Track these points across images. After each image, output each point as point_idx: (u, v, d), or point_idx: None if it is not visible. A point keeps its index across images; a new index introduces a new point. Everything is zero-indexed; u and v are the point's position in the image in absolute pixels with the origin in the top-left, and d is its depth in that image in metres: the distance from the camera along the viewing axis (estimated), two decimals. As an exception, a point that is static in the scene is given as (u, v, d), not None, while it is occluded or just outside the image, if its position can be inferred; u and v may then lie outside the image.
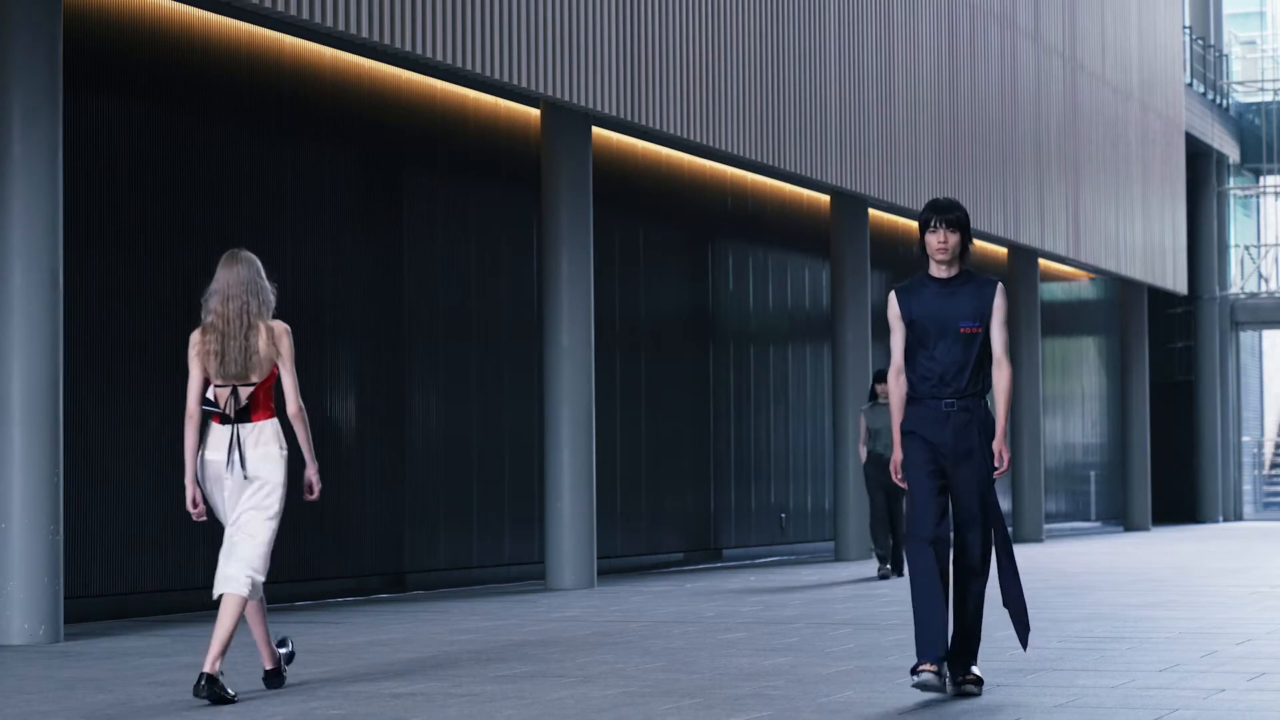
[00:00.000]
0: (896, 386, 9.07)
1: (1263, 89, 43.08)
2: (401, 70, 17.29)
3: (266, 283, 9.20)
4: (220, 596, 9.04)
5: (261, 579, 9.10)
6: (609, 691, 9.26)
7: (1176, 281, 35.41)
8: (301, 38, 16.07)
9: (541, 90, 16.57)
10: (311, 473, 9.50)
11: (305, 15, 13.79)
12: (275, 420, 9.25)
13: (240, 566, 9.07)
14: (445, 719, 8.30)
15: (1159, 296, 37.03)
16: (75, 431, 13.57)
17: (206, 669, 8.80)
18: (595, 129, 19.20)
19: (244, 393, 9.12)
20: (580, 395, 17.59)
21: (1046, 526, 30.82)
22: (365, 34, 14.41)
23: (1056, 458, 32.87)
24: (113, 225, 14.37)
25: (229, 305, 9.07)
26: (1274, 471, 45.22)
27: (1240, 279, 41.82)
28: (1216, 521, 39.26)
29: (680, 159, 21.66)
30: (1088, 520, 34.54)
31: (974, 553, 9.06)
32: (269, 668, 9.45)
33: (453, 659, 10.99)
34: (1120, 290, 35.29)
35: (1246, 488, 42.47)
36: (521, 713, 8.47)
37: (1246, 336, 43.05)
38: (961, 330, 8.95)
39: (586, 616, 14.22)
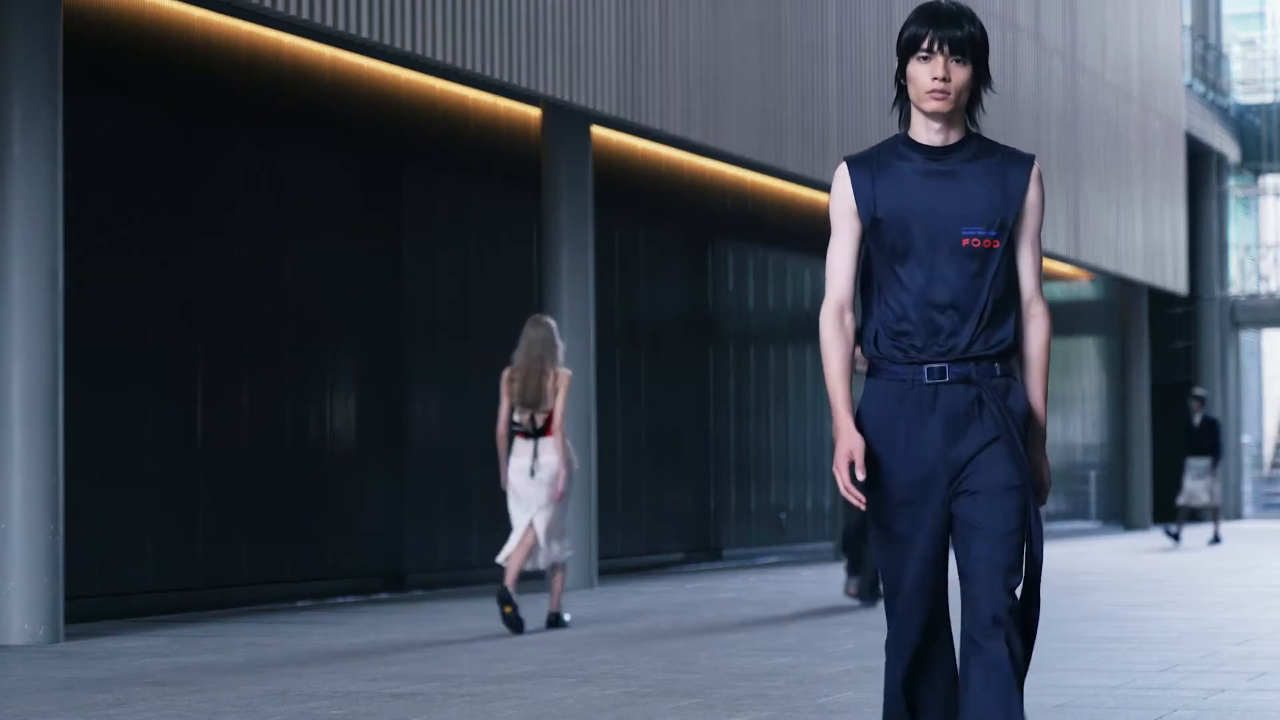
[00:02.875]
0: (836, 338, 5.23)
1: (1263, 89, 43.08)
2: (401, 70, 17.29)
3: (559, 340, 12.97)
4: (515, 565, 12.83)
5: (569, 551, 13.23)
6: (609, 691, 9.26)
7: (1176, 281, 35.41)
8: (301, 37, 16.07)
9: (541, 90, 16.57)
10: (563, 477, 12.86)
11: (305, 15, 13.79)
12: (559, 436, 12.85)
13: (559, 547, 13.00)
14: (445, 719, 8.30)
15: (1159, 296, 37.02)
16: (75, 431, 13.57)
17: (550, 610, 13.22)
18: (595, 129, 19.20)
19: (539, 417, 12.82)
20: (580, 395, 17.59)
21: (1046, 526, 30.82)
22: (365, 34, 14.41)
23: (1056, 458, 32.86)
24: (113, 225, 14.37)
25: (530, 353, 12.87)
26: (1274, 471, 45.21)
27: (1240, 279, 41.81)
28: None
29: (680, 159, 21.66)
30: (1088, 520, 34.55)
31: (1001, 664, 5.04)
32: (554, 610, 13.24)
33: (453, 659, 10.99)
34: (1120, 290, 35.29)
35: (1246, 488, 42.46)
36: (521, 713, 8.47)
37: (1246, 336, 43.03)
38: (965, 241, 5.16)
39: (586, 616, 14.21)
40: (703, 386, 22.27)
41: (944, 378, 5.17)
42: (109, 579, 14.20)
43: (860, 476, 5.09)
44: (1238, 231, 42.45)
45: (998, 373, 5.21)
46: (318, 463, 16.27)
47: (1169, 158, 34.91)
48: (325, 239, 16.50)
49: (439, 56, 15.25)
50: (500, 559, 12.94)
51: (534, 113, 18.66)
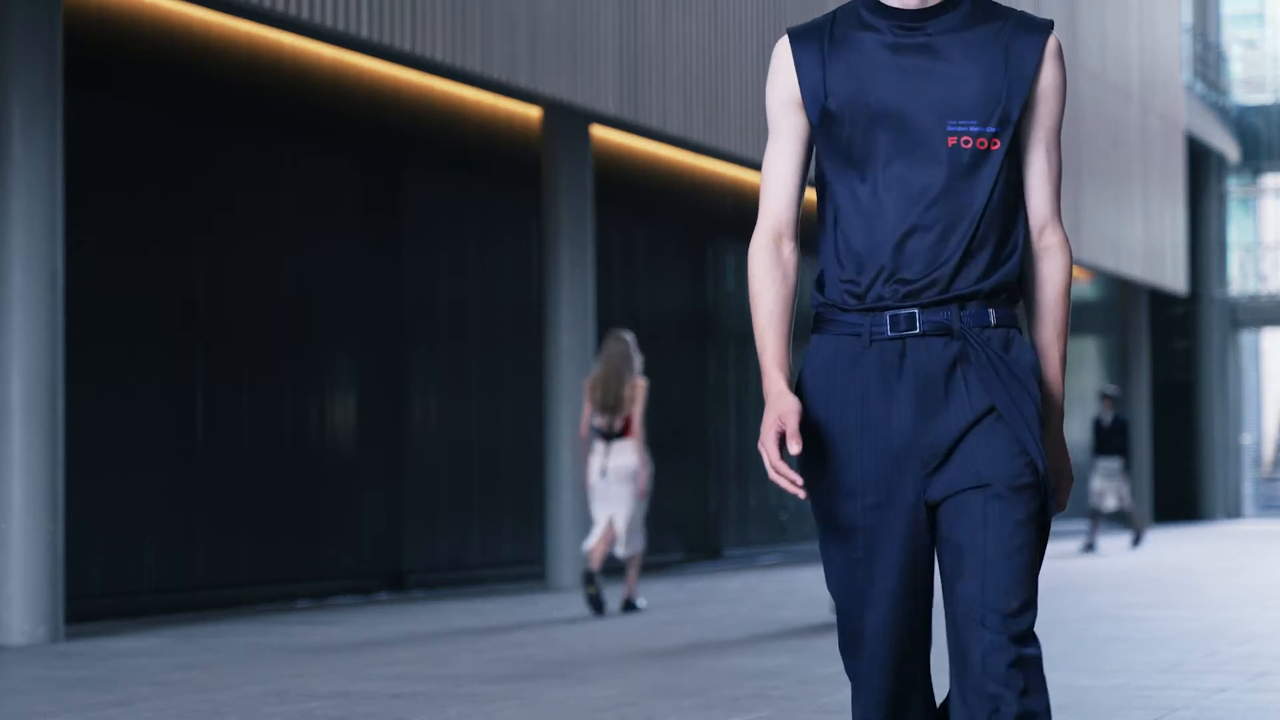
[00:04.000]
0: (769, 274, 4.36)
1: (1263, 89, 43.09)
2: (401, 70, 17.29)
3: (634, 354, 14.40)
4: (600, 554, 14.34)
5: (644, 544, 14.69)
6: (609, 691, 9.25)
7: (1176, 281, 35.41)
8: (301, 37, 16.07)
9: (541, 90, 16.57)
10: (643, 477, 14.36)
11: (305, 15, 13.79)
12: (636, 439, 14.28)
13: (636, 539, 14.44)
14: (445, 719, 8.30)
15: (1159, 296, 37.03)
16: (75, 431, 13.57)
17: (624, 596, 14.76)
18: (595, 129, 19.21)
19: (617, 422, 14.27)
20: (579, 395, 17.60)
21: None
22: (365, 34, 14.40)
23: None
24: (113, 225, 14.37)
25: (609, 364, 14.36)
26: (1274, 471, 45.22)
27: (1240, 279, 41.82)
28: (1216, 521, 39.25)
29: (680, 159, 21.66)
30: (1087, 520, 34.53)
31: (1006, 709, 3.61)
32: (628, 596, 14.73)
33: (453, 659, 10.99)
34: (1120, 290, 35.29)
35: (1247, 488, 42.47)
36: (521, 713, 8.47)
37: (1246, 336, 43.04)
38: (951, 140, 3.79)
39: (586, 617, 14.21)
40: (702, 386, 22.27)
41: (914, 328, 3.77)
42: (109, 579, 14.20)
43: (794, 449, 3.66)
44: (1238, 231, 42.46)
45: (992, 321, 3.76)
46: (317, 462, 16.27)
47: (1169, 158, 34.90)
48: (325, 238, 16.50)
49: (439, 56, 15.24)
50: (585, 548, 14.55)
51: (534, 113, 18.66)
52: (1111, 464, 25.74)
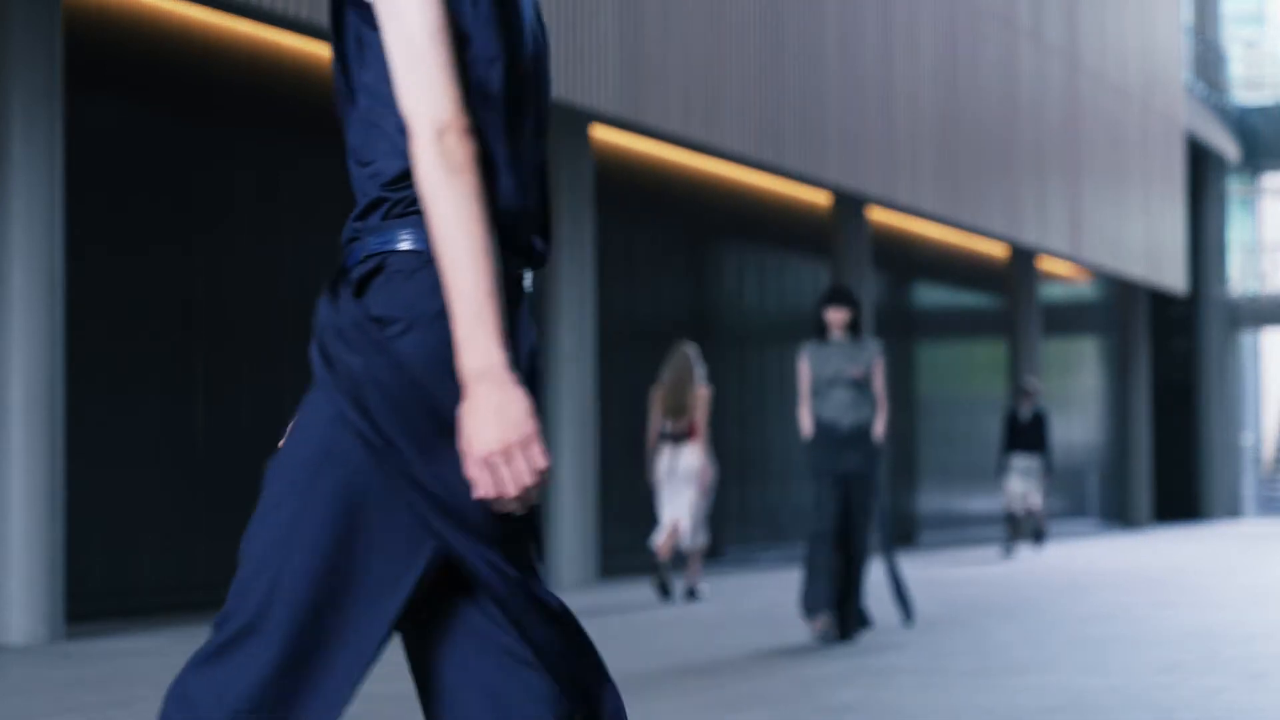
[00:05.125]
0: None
1: (1263, 89, 43.09)
2: (401, 70, 17.26)
3: (697, 364, 15.93)
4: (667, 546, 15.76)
5: (706, 536, 16.14)
6: (609, 691, 9.24)
7: (1176, 281, 35.42)
8: (301, 37, 16.07)
9: (541, 90, 16.56)
10: (706, 476, 15.84)
11: (305, 15, 13.79)
12: (700, 442, 15.72)
13: (699, 533, 15.92)
14: None
15: (1159, 296, 37.04)
16: (75, 431, 13.57)
17: (687, 585, 15.98)
18: (595, 129, 19.20)
19: (681, 425, 15.79)
20: (580, 395, 17.60)
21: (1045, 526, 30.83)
22: (365, 34, 14.39)
23: (1057, 457, 32.87)
24: (113, 225, 14.37)
25: (675, 374, 15.84)
26: (1274, 471, 45.22)
27: (1240, 279, 41.82)
28: (1216, 521, 39.26)
29: (680, 159, 21.66)
30: (1088, 520, 34.55)
31: None
32: (690, 584, 16.03)
33: (453, 659, 10.97)
34: (1120, 290, 35.29)
35: (1247, 488, 42.48)
36: (521, 713, 8.45)
37: (1246, 336, 43.05)
38: None
39: (587, 616, 14.22)
40: (703, 386, 22.27)
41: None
42: (109, 579, 14.20)
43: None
44: (1238, 231, 42.46)
45: (368, 248, 2.77)
46: (318, 463, 16.25)
47: (1169, 158, 34.90)
48: (325, 239, 16.50)
49: (439, 56, 15.23)
50: (653, 543, 15.99)
51: (534, 113, 18.64)
52: (1028, 462, 24.11)
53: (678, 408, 15.79)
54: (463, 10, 2.76)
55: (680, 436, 15.80)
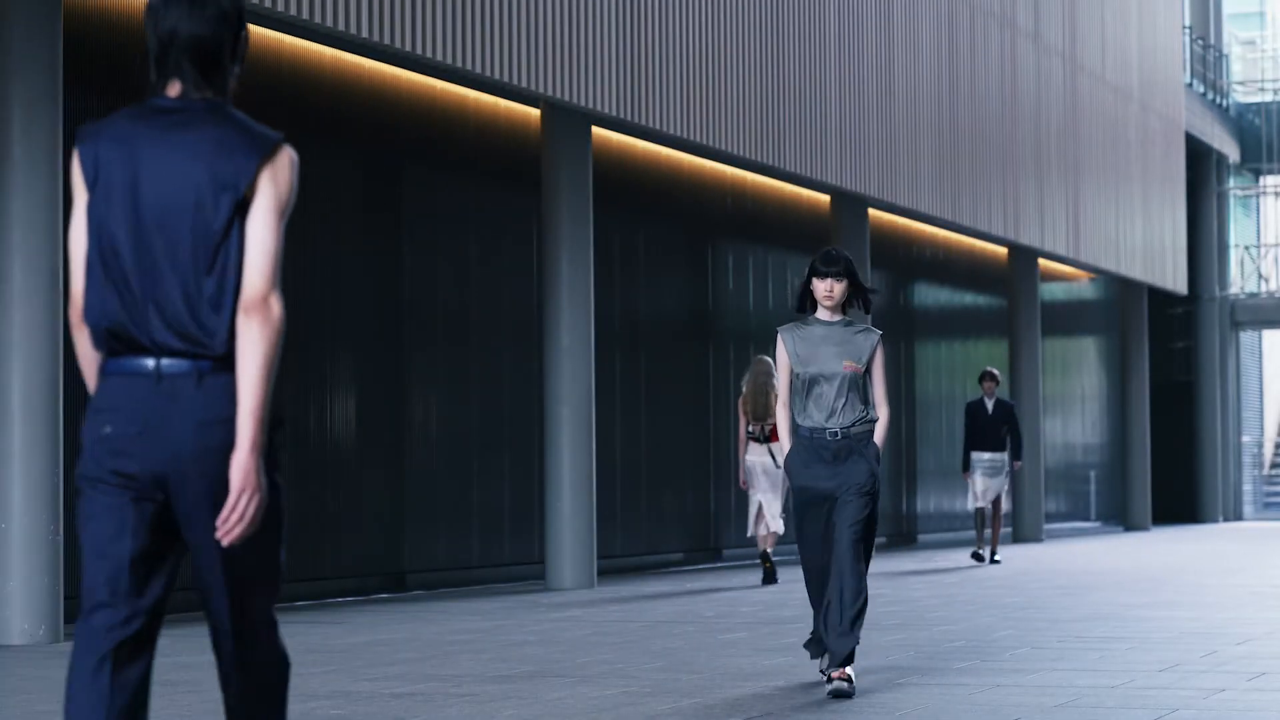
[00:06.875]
0: None
1: (1263, 89, 43.08)
2: (401, 70, 17.29)
3: (773, 374, 17.30)
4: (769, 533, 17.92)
5: (784, 526, 17.84)
6: (609, 691, 9.25)
7: (1176, 281, 35.41)
8: (301, 37, 16.07)
9: (541, 90, 16.57)
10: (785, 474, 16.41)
11: (305, 15, 13.79)
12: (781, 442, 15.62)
13: (777, 521, 17.72)
14: (445, 719, 8.30)
15: (1159, 296, 37.03)
16: (75, 431, 13.57)
17: (767, 549, 18.15)
18: (595, 129, 19.20)
19: (766, 427, 17.60)
20: (580, 395, 17.60)
21: (1046, 526, 30.82)
22: (365, 34, 14.40)
23: (1056, 458, 32.86)
24: (113, 225, 14.36)
25: (757, 382, 17.60)
26: (1274, 471, 45.22)
27: (1240, 279, 41.82)
28: (1216, 521, 39.25)
29: (680, 159, 21.66)
30: (1088, 520, 34.54)
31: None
32: (767, 580, 18.06)
33: (453, 659, 10.99)
34: (1120, 290, 35.29)
35: (1246, 488, 42.46)
36: (521, 713, 8.47)
37: (1246, 336, 43.05)
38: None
39: (586, 616, 14.22)
40: (703, 386, 22.27)
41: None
42: (109, 579, 14.18)
43: None
44: (1238, 231, 42.45)
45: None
46: (318, 462, 16.28)
47: (1169, 158, 34.90)
48: (325, 239, 16.51)
49: (439, 56, 15.24)
50: (752, 534, 18.02)
51: (534, 113, 18.66)
52: (996, 458, 21.63)
53: (761, 412, 17.62)
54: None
55: (763, 438, 17.58)
